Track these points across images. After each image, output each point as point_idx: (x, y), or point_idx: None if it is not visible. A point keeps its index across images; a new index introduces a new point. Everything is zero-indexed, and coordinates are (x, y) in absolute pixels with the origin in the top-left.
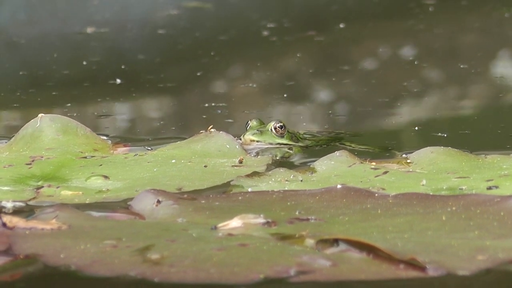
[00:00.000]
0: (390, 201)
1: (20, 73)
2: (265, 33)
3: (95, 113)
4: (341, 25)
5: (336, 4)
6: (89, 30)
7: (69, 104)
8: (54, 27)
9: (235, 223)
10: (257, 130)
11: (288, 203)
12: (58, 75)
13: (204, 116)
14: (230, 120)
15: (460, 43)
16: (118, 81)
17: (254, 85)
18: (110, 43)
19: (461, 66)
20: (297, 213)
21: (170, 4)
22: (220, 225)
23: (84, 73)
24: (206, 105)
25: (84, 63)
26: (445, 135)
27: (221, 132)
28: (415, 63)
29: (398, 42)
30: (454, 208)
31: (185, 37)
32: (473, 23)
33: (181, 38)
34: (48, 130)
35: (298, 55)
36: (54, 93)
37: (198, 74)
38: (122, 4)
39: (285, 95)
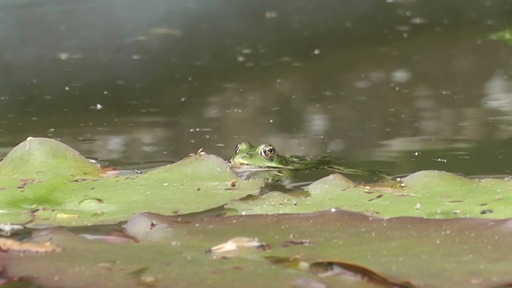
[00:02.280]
0: (384, 224)
1: (1, 98)
2: (241, 58)
3: (80, 138)
4: (316, 51)
5: (308, 31)
6: (63, 56)
7: (52, 129)
8: (29, 53)
9: (229, 246)
10: (247, 153)
11: (282, 227)
12: (39, 100)
13: (192, 141)
14: (220, 145)
15: (439, 69)
16: (99, 106)
17: (240, 111)
18: (87, 69)
19: (443, 92)
20: (291, 236)
21: (138, 30)
22: (214, 248)
23: (64, 98)
24: (192, 130)
25: (67, 88)
26: (445, 160)
27: (211, 155)
28: (396, 89)
29: (377, 69)
30: (448, 232)
31: (161, 62)
32: (448, 50)
33: (156, 64)
34: (37, 153)
35: (278, 80)
36: (34, 119)
37: (182, 99)
38: (89, 31)
39: (271, 121)
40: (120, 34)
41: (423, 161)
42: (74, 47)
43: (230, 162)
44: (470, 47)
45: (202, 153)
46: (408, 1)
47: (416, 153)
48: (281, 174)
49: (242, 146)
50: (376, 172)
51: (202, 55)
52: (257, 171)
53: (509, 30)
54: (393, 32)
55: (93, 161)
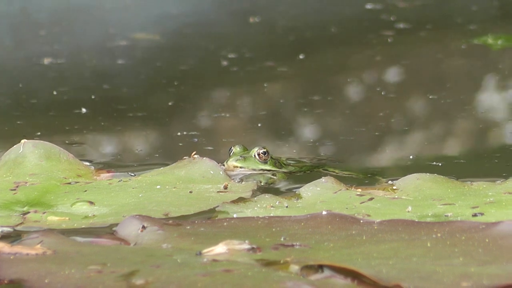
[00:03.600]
0: (375, 227)
1: None
2: (226, 63)
3: (66, 142)
4: (301, 56)
5: (292, 35)
6: (46, 61)
7: (39, 133)
8: (11, 58)
9: (220, 249)
10: (241, 156)
11: (273, 229)
12: (25, 104)
13: (181, 144)
14: (209, 148)
15: (425, 73)
16: (84, 110)
17: (228, 115)
18: (72, 74)
19: (431, 97)
20: (282, 239)
21: (119, 35)
22: (205, 251)
23: (49, 102)
24: (179, 133)
25: (55, 93)
26: (440, 164)
27: (204, 158)
28: (383, 93)
29: (363, 73)
30: (439, 235)
31: (146, 67)
32: (434, 54)
33: (142, 69)
34: (31, 156)
35: (265, 85)
36: (19, 122)
37: (170, 104)
38: (69, 35)
39: (259, 125)
40: (102, 39)
41: (418, 164)
42: (56, 52)
43: (223, 165)
44: (456, 51)
45: (195, 156)
46: (390, 6)
47: (411, 157)
48: (274, 177)
49: (236, 149)
50: (369, 175)
51: (186, 60)
52: (251, 173)
53: (492, 35)
54: (378, 37)
55: (87, 163)
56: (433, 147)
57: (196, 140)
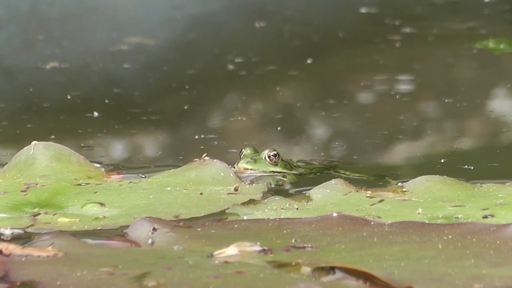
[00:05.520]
0: (386, 229)
1: None
2: (234, 67)
3: (82, 145)
4: (309, 61)
5: (299, 40)
6: (49, 65)
7: (52, 136)
8: (16, 63)
9: (231, 250)
10: (251, 158)
11: (284, 231)
12: (36, 107)
13: (202, 147)
14: (233, 150)
15: (437, 77)
16: (96, 114)
17: (244, 118)
18: (80, 78)
19: (446, 100)
20: (293, 241)
21: (117, 39)
22: (216, 252)
23: (61, 106)
24: (197, 137)
25: (69, 97)
26: (472, 167)
27: (215, 160)
28: (397, 97)
29: (375, 77)
30: (450, 237)
31: (153, 71)
32: (444, 59)
33: (149, 72)
34: (42, 157)
35: (277, 89)
36: (29, 126)
37: (185, 107)
38: (69, 40)
39: (278, 128)
40: (105, 44)
41: (448, 167)
42: (58, 56)
43: (234, 167)
44: (467, 56)
45: (206, 158)
46: (396, 11)
47: (442, 160)
48: (285, 179)
49: (247, 151)
50: (384, 176)
51: (193, 64)
52: (261, 176)
53: (493, 39)
54: (386, 41)
55: (98, 165)
56: (459, 150)
57: (216, 143)
